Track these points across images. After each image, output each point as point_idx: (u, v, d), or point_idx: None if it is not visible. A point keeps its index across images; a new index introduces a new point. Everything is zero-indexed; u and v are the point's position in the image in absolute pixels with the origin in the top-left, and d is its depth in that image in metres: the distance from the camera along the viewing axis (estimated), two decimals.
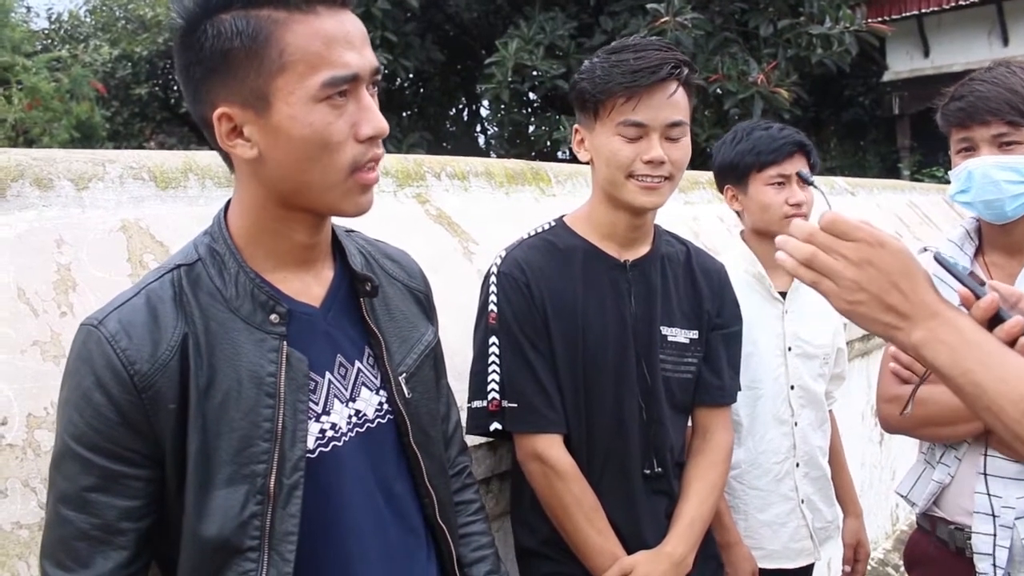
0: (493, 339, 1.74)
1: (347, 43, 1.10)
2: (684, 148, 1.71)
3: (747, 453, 2.24)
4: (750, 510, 2.24)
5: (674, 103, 1.67)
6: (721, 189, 2.35)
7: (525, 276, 1.73)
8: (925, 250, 2.06)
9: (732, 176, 2.28)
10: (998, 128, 1.76)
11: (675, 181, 1.72)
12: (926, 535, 2.02)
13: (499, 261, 1.78)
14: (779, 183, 2.20)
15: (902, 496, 2.03)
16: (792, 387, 2.26)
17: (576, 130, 1.79)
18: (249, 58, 1.07)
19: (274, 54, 1.07)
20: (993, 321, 1.04)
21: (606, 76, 1.67)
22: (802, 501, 2.28)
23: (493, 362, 1.73)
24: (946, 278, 1.19)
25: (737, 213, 2.36)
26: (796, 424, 2.26)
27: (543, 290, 1.73)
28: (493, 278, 1.76)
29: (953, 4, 13.54)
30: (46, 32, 17.21)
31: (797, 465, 2.27)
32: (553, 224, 1.85)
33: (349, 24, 1.11)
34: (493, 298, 1.74)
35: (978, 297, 1.05)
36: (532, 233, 1.84)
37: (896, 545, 4.15)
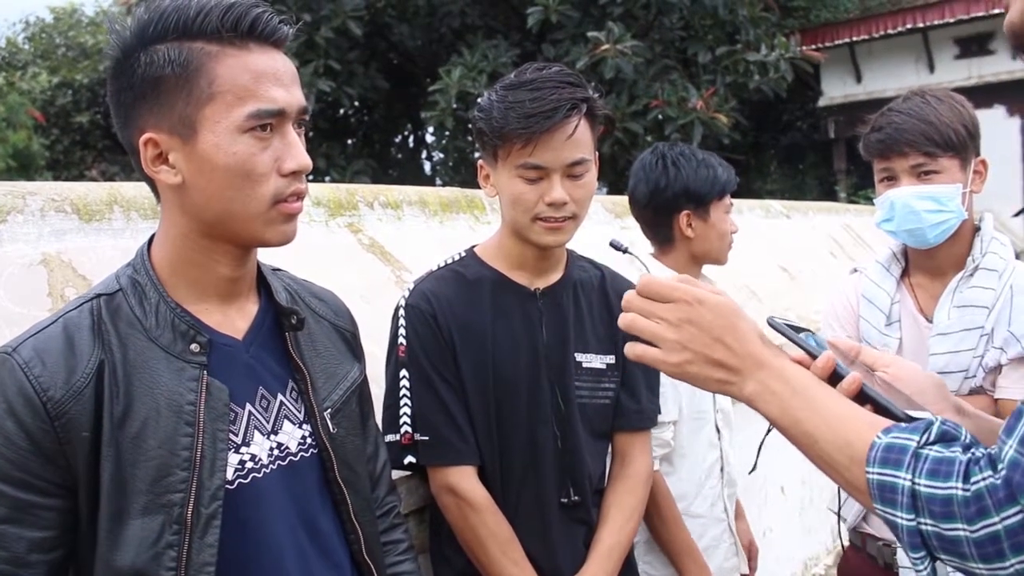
0: (403, 372, 1.71)
1: (276, 80, 1.14)
2: (587, 185, 1.68)
3: (690, 485, 2.20)
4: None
5: (575, 142, 1.62)
6: (670, 212, 2.21)
7: (432, 308, 1.71)
8: (855, 271, 2.13)
9: (694, 201, 2.19)
10: (916, 159, 1.81)
11: (579, 219, 1.70)
12: (857, 551, 2.06)
13: (407, 294, 1.76)
14: (727, 211, 2.22)
15: (833, 512, 2.07)
16: (718, 411, 2.27)
17: (480, 166, 1.76)
18: (179, 86, 1.11)
19: (204, 84, 1.10)
20: (833, 379, 1.02)
21: (502, 119, 1.62)
22: (729, 522, 2.30)
23: (404, 395, 1.71)
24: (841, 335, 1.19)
25: (665, 241, 2.27)
26: (723, 447, 2.28)
27: (450, 321, 1.71)
28: (402, 311, 1.73)
29: (882, 33, 14.03)
30: None
31: (723, 487, 2.29)
32: (463, 255, 1.82)
33: (280, 63, 1.16)
34: (402, 331, 1.72)
35: (814, 357, 1.04)
36: (442, 264, 1.82)
37: (837, 560, 4.20)
